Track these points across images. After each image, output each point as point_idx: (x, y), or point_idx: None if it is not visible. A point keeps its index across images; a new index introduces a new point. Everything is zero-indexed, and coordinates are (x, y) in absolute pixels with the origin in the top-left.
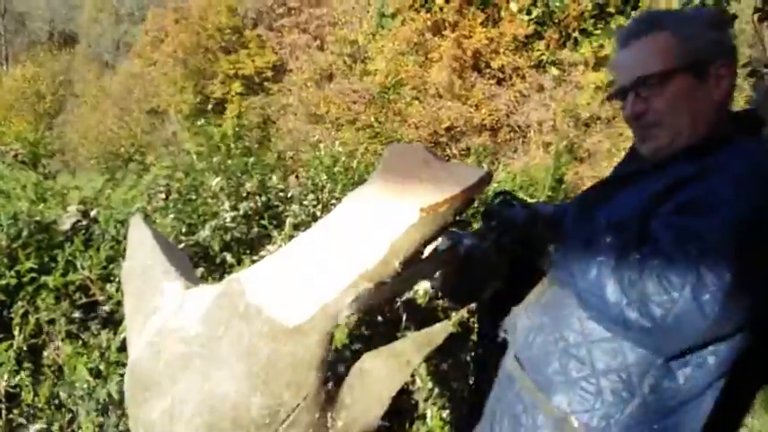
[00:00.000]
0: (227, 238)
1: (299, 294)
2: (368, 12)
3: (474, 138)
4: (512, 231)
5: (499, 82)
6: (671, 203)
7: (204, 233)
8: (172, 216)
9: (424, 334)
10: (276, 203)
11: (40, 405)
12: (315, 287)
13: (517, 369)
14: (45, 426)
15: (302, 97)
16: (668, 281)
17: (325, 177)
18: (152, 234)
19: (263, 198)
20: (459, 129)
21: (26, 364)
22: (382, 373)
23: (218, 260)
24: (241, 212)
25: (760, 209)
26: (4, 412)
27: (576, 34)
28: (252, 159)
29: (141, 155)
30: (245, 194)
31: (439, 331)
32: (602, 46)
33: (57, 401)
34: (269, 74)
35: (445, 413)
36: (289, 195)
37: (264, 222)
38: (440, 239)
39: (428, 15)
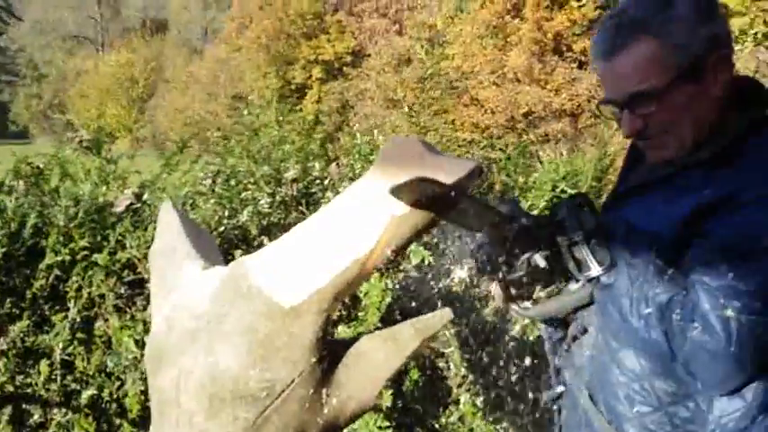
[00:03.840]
0: (265, 222)
1: (297, 278)
2: None
3: (553, 123)
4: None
5: (581, 65)
6: (705, 244)
7: (243, 217)
8: (213, 201)
9: (424, 320)
10: (314, 190)
11: (91, 372)
12: (311, 272)
13: (591, 406)
14: (96, 391)
15: (380, 82)
16: (708, 353)
17: (360, 166)
18: (179, 218)
19: (301, 185)
20: (537, 114)
21: (79, 335)
22: (379, 356)
23: (255, 243)
24: (278, 199)
25: None
26: (59, 378)
27: None
28: (287, 147)
29: (225, 139)
30: (285, 182)
31: (438, 318)
32: None
33: (106, 370)
34: (348, 59)
35: (479, 400)
36: (325, 182)
37: (302, 208)
38: (500, 205)
39: None
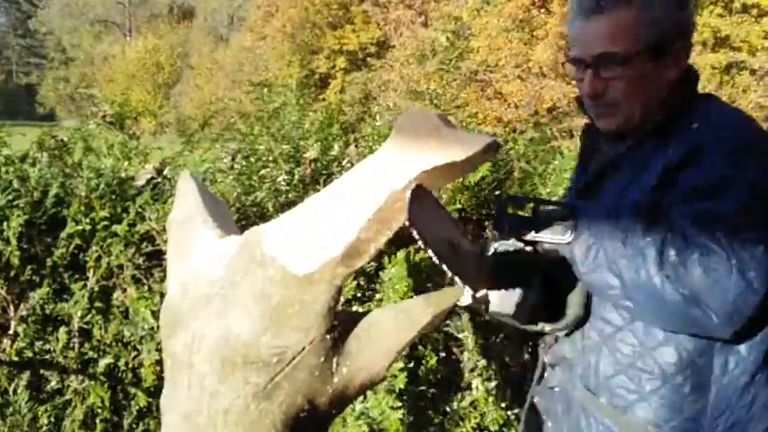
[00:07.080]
0: (282, 199)
1: (311, 246)
2: None
3: (577, 119)
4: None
5: None
6: (678, 191)
7: (261, 194)
8: (232, 177)
9: (436, 295)
10: (332, 170)
11: (108, 341)
12: (324, 241)
13: (589, 397)
14: (112, 360)
15: (403, 73)
16: (714, 271)
17: (379, 146)
18: (197, 187)
19: (320, 164)
20: (561, 109)
21: (98, 304)
22: (390, 328)
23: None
24: (296, 177)
25: (760, 181)
26: (77, 346)
27: None
28: (307, 126)
29: (248, 125)
30: (303, 161)
31: (450, 294)
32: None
33: (123, 339)
34: (372, 49)
35: (491, 385)
36: (344, 162)
37: (319, 187)
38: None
39: None
